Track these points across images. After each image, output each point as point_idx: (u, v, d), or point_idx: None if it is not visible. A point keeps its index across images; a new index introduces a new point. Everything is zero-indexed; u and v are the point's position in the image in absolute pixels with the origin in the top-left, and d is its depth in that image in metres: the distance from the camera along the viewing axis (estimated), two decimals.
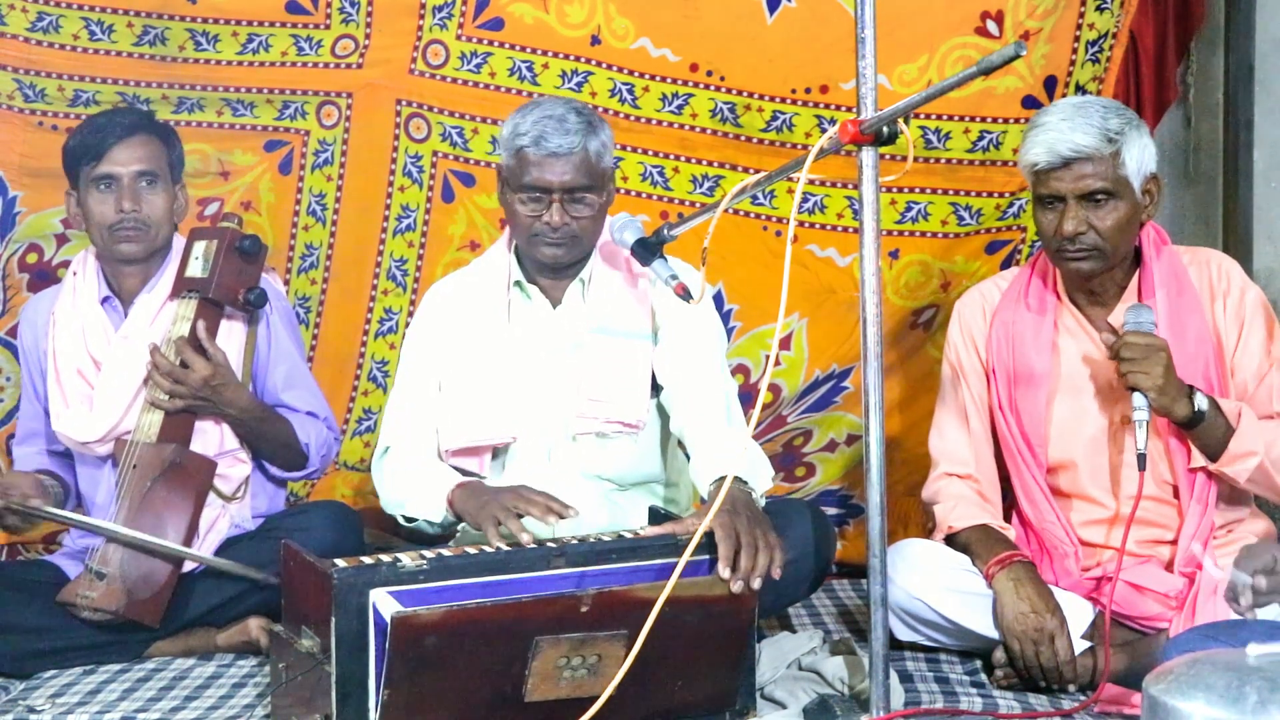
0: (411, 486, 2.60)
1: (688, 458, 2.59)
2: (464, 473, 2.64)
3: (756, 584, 2.18)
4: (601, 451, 2.66)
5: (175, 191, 2.90)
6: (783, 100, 3.45)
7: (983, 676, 2.57)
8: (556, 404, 2.66)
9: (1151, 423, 2.46)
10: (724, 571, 2.17)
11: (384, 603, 2.08)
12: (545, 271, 2.71)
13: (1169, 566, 2.58)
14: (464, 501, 2.48)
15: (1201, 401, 2.46)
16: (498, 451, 2.70)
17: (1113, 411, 2.63)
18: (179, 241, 2.91)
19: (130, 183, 2.81)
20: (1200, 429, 2.48)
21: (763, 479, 2.49)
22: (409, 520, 2.61)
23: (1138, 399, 2.43)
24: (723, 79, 3.46)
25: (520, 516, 2.36)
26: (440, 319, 2.76)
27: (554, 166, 2.58)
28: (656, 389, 2.68)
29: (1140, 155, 2.54)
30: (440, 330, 2.74)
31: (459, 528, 2.64)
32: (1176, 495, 2.60)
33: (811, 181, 3.44)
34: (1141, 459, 2.41)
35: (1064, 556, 2.62)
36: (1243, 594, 2.16)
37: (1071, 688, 2.46)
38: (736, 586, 2.16)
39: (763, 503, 2.46)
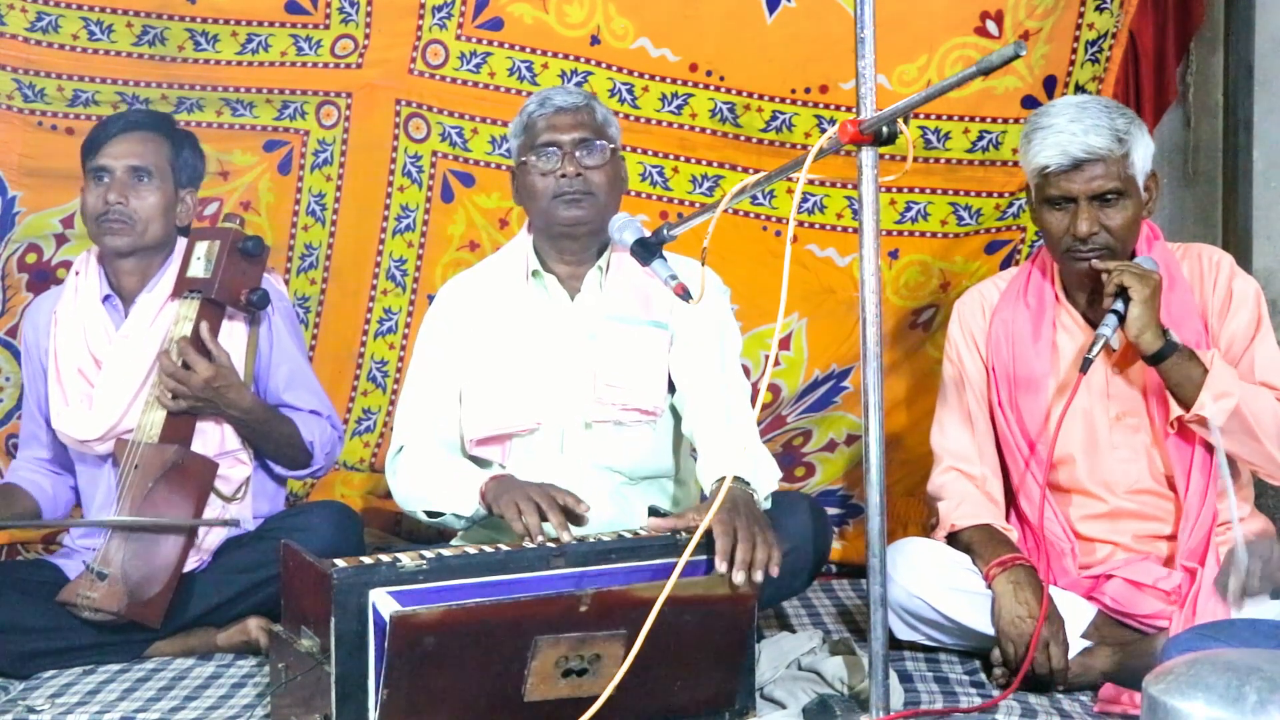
0: (437, 481, 2.59)
1: (695, 459, 2.58)
2: (482, 464, 2.65)
3: (758, 576, 2.17)
4: (616, 441, 2.65)
5: (177, 193, 2.89)
6: (782, 100, 3.45)
7: (982, 676, 2.57)
8: (572, 392, 2.65)
9: (1145, 416, 2.44)
10: (720, 566, 2.16)
11: (383, 602, 2.08)
12: (565, 250, 2.71)
13: (1168, 563, 2.59)
14: (495, 492, 2.47)
15: (1174, 337, 2.48)
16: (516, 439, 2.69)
17: (1110, 407, 2.64)
18: (180, 242, 2.90)
19: (122, 176, 2.82)
20: (1171, 364, 2.48)
21: (768, 481, 2.49)
22: (432, 516, 2.60)
23: (1108, 319, 2.47)
24: (722, 79, 3.46)
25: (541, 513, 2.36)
26: (457, 313, 2.75)
27: (561, 121, 2.66)
28: (672, 388, 2.68)
29: (1144, 154, 2.58)
30: (458, 324, 2.73)
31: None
32: (1173, 489, 2.61)
33: (811, 181, 3.44)
34: (1087, 363, 2.46)
35: (1061, 554, 2.63)
36: (1234, 577, 2.12)
37: (1059, 689, 2.46)
38: (738, 578, 2.16)
39: (767, 504, 2.46)
